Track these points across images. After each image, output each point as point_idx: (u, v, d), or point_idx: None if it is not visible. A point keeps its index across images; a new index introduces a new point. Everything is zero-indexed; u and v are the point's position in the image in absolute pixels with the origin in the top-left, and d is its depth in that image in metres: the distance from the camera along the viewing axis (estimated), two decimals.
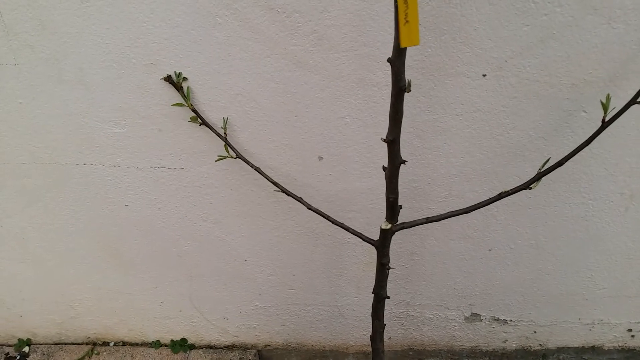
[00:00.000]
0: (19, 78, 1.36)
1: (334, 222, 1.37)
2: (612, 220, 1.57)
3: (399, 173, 1.17)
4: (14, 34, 1.28)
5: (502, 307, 1.86)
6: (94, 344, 2.14)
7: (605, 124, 1.16)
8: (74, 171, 1.55)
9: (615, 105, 1.17)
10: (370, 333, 1.54)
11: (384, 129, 1.40)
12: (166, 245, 1.76)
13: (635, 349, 1.94)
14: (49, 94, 1.39)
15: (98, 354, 2.09)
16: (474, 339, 1.98)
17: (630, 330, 1.88)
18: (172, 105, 1.35)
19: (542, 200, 1.53)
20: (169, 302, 1.95)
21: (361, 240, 1.65)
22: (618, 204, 1.53)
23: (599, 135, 1.17)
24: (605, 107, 1.14)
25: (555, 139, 1.39)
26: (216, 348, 2.10)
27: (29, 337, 2.16)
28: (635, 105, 1.15)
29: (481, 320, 1.91)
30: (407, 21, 0.86)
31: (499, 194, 1.23)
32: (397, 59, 0.97)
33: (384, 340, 1.53)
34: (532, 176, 1.21)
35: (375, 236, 1.32)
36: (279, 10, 1.22)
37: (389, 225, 1.25)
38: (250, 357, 2.04)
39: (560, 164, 1.20)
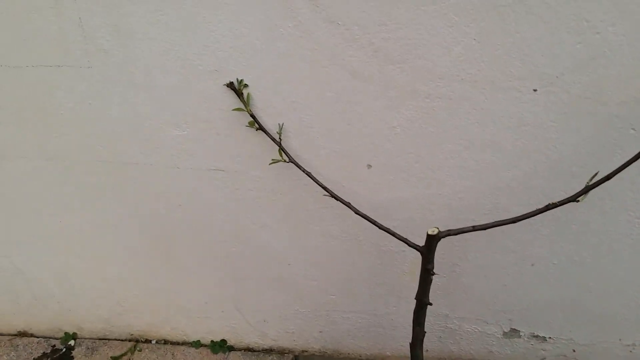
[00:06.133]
0: (91, 80, 1.45)
1: (380, 227, 1.41)
2: None
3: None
4: (91, 38, 1.37)
5: (541, 323, 1.86)
6: (137, 341, 2.20)
7: None
8: (135, 171, 1.64)
9: None
10: (409, 342, 1.56)
11: (433, 140, 1.44)
12: (214, 247, 1.82)
13: None
14: (118, 96, 1.48)
15: (140, 350, 2.16)
16: (512, 355, 1.97)
17: None
18: (232, 110, 1.43)
19: (588, 217, 1.54)
20: (213, 302, 2.01)
21: (403, 250, 1.69)
22: None
23: None
24: None
25: (603, 156, 1.41)
26: (254, 351, 2.14)
27: (75, 331, 2.24)
28: None
29: (520, 337, 1.91)
30: None
31: (547, 206, 1.26)
32: None
33: None
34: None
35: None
36: (339, 22, 1.28)
37: (436, 231, 1.28)
38: None
39: (608, 177, 1.22)
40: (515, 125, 1.38)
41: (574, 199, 1.25)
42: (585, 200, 1.27)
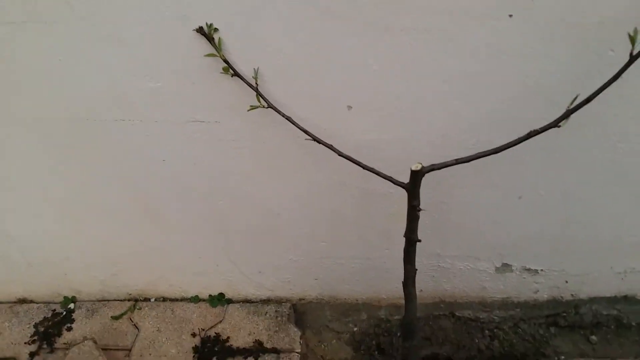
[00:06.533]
0: (57, 36, 1.41)
1: (365, 167, 1.40)
2: None
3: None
4: None
5: (532, 256, 1.88)
6: (136, 300, 2.23)
7: (633, 58, 1.15)
8: (112, 127, 1.61)
9: None
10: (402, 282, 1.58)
11: (411, 76, 1.41)
12: (202, 201, 1.82)
13: None
14: (87, 51, 1.43)
15: (140, 309, 2.19)
16: (505, 290, 2.00)
17: None
18: (205, 56, 1.39)
19: (571, 145, 1.53)
20: (207, 257, 2.03)
21: (390, 191, 1.69)
22: None
23: (628, 75, 1.17)
24: (633, 40, 1.13)
25: (583, 81, 1.38)
26: (252, 302, 2.18)
27: (74, 295, 2.27)
28: None
29: (512, 271, 1.93)
30: None
31: (528, 133, 1.25)
32: None
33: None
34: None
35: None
36: None
37: (420, 167, 1.28)
38: (285, 310, 2.11)
39: (588, 100, 1.20)
40: (493, 55, 1.35)
41: (555, 124, 1.23)
42: (567, 127, 1.25)
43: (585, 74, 1.36)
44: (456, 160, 1.30)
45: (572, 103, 1.22)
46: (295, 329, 2.03)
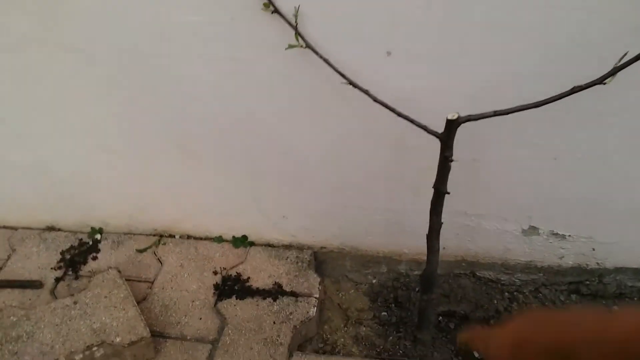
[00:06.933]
0: None
1: (399, 114, 1.38)
2: None
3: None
4: None
5: (561, 221, 1.84)
6: (161, 236, 2.27)
7: None
8: (151, 61, 1.60)
9: None
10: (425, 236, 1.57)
11: (455, 24, 1.37)
12: (233, 141, 1.81)
13: None
14: None
15: (165, 244, 2.23)
16: (530, 253, 1.98)
17: None
18: None
19: (615, 107, 1.48)
20: (233, 198, 2.04)
21: (422, 144, 1.66)
22: None
23: None
24: None
25: (633, 39, 1.32)
26: (274, 247, 2.19)
27: (101, 226, 2.31)
28: None
29: (539, 234, 1.90)
30: None
31: (572, 89, 1.21)
32: None
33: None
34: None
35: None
36: None
37: (456, 116, 1.25)
38: (306, 257, 2.12)
39: (637, 58, 1.15)
40: (542, 6, 1.29)
41: (600, 81, 1.19)
42: (613, 87, 1.20)
43: (636, 31, 1.30)
44: (494, 112, 1.27)
45: (620, 60, 1.17)
46: (315, 276, 2.05)
